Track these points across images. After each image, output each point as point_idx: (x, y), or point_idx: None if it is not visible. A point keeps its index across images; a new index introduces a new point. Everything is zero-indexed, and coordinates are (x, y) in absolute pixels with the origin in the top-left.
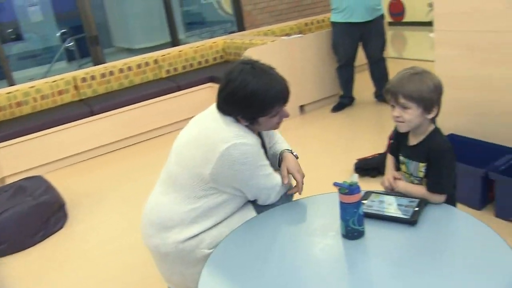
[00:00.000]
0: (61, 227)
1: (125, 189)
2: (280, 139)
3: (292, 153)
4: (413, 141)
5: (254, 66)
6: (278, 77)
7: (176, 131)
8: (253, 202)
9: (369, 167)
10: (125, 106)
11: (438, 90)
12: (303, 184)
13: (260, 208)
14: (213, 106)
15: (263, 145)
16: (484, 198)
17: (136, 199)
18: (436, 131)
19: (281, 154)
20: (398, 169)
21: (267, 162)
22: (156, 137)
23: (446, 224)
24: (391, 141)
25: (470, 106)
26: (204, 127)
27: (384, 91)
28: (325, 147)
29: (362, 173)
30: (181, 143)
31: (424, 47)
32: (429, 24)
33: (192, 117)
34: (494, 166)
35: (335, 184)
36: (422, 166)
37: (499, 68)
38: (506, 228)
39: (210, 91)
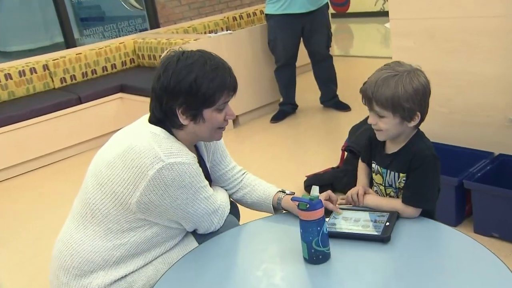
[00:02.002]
0: None
1: (16, 234)
2: (252, 177)
3: (285, 192)
4: (391, 148)
5: (199, 51)
6: (225, 63)
7: (80, 155)
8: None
9: (322, 183)
10: (6, 125)
11: (419, 95)
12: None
13: (202, 236)
14: (142, 119)
15: (201, 162)
16: (460, 212)
17: (33, 245)
18: (419, 135)
19: (279, 198)
20: (370, 179)
21: (206, 182)
22: (52, 163)
23: (424, 239)
24: (346, 152)
25: (435, 105)
26: (130, 145)
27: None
28: (267, 164)
29: None
30: (101, 163)
31: (374, 42)
32: (378, 14)
33: (102, 136)
34: (469, 174)
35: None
36: (402, 177)
37: (464, 59)
38: (487, 245)
39: (120, 103)
